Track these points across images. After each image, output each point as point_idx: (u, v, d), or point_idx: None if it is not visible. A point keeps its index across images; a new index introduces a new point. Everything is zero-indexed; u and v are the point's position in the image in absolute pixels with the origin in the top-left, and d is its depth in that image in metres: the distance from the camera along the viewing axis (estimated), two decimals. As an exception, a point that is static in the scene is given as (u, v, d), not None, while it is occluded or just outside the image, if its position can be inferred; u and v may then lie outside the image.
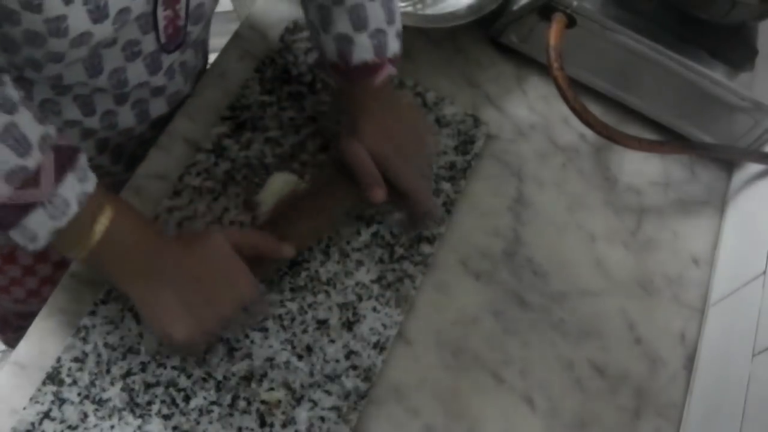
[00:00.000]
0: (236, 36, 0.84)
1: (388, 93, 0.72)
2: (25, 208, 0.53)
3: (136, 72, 0.66)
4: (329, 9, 0.67)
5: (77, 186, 0.55)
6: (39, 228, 0.54)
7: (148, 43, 0.64)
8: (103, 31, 0.56)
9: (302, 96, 0.81)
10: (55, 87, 0.65)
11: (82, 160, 0.56)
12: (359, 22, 0.67)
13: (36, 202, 0.53)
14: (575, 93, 0.80)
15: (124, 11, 0.56)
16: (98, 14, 0.54)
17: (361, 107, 0.69)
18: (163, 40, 0.64)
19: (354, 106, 0.70)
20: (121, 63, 0.64)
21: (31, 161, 0.52)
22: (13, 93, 0.53)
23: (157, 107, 0.74)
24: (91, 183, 0.56)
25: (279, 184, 0.74)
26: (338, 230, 0.74)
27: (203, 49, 0.78)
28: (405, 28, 0.81)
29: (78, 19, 0.53)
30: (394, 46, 0.69)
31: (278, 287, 0.70)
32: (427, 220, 0.75)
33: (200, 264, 0.61)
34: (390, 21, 0.68)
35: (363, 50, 0.67)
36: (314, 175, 0.75)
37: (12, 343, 1.03)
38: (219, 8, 0.78)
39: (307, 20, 0.71)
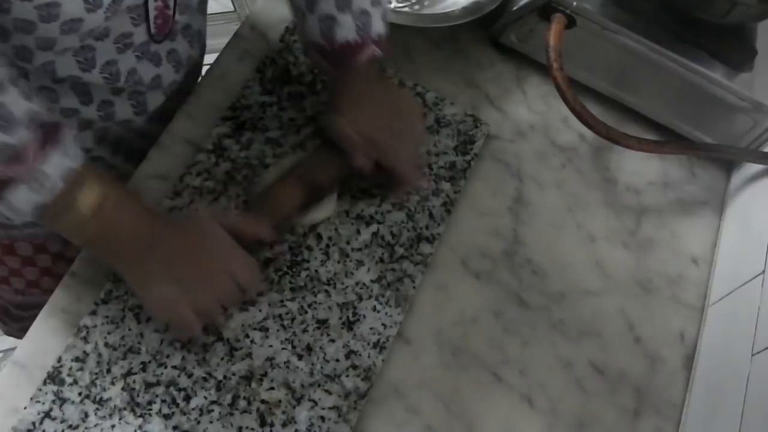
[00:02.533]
0: (236, 36, 0.84)
1: (373, 74, 0.73)
2: (8, 183, 0.54)
3: (127, 63, 0.67)
4: None
5: (61, 161, 0.55)
6: (22, 203, 0.55)
7: (140, 35, 0.65)
8: (95, 19, 0.56)
9: (302, 96, 0.81)
10: (51, 77, 0.65)
11: (67, 135, 0.56)
12: (344, 2, 0.67)
13: (19, 177, 0.53)
14: (575, 93, 0.80)
15: (117, 1, 0.57)
16: (93, 4, 0.55)
17: (346, 87, 0.71)
18: (153, 30, 0.65)
19: (339, 86, 0.71)
20: (113, 56, 0.65)
21: (16, 138, 0.52)
22: (1, 72, 0.53)
23: (154, 99, 0.75)
24: (75, 158, 0.57)
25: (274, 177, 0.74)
26: (337, 229, 0.74)
27: (199, 40, 0.78)
28: (404, 27, 0.82)
29: (72, 7, 0.54)
30: (378, 26, 0.69)
31: (278, 287, 0.70)
32: (404, 190, 0.77)
33: (194, 243, 0.63)
34: (375, 3, 0.69)
35: (346, 30, 0.68)
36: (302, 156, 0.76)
37: (14, 333, 1.03)
38: (219, 8, 0.78)
39: (291, 2, 0.72)
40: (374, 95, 0.72)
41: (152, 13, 0.63)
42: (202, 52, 0.82)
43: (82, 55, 0.62)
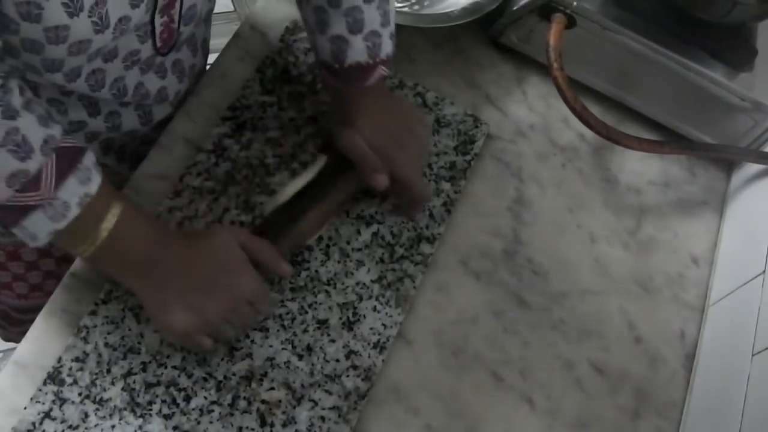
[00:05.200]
0: (236, 36, 0.84)
1: (382, 91, 0.73)
2: (25, 210, 0.54)
3: (134, 78, 0.67)
4: (325, 11, 0.68)
5: (78, 188, 0.55)
6: (38, 229, 0.55)
7: (146, 51, 0.65)
8: (103, 39, 0.56)
9: (302, 96, 0.81)
10: (60, 90, 0.65)
11: (87, 160, 0.56)
12: (355, 24, 0.67)
13: (36, 204, 0.53)
14: (575, 93, 0.80)
15: (123, 19, 0.56)
16: (101, 25, 0.55)
17: (357, 104, 0.71)
18: (159, 44, 0.65)
19: (349, 103, 0.71)
20: (121, 73, 0.65)
21: (32, 165, 0.52)
22: (17, 100, 0.53)
23: (160, 110, 0.75)
24: (94, 184, 0.57)
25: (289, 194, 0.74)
26: (338, 229, 0.74)
27: (203, 48, 0.78)
28: (404, 28, 0.81)
29: (81, 29, 0.54)
30: (387, 48, 0.70)
31: (278, 287, 0.70)
32: (420, 206, 0.77)
33: (203, 259, 0.63)
34: (384, 23, 0.69)
35: (357, 52, 0.68)
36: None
37: (14, 338, 1.03)
38: (219, 8, 0.78)
39: (303, 19, 0.72)
40: (382, 111, 0.72)
41: (158, 29, 0.63)
42: (206, 59, 0.82)
43: (93, 79, 0.63)
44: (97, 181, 0.57)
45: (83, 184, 0.56)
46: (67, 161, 0.55)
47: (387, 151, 0.70)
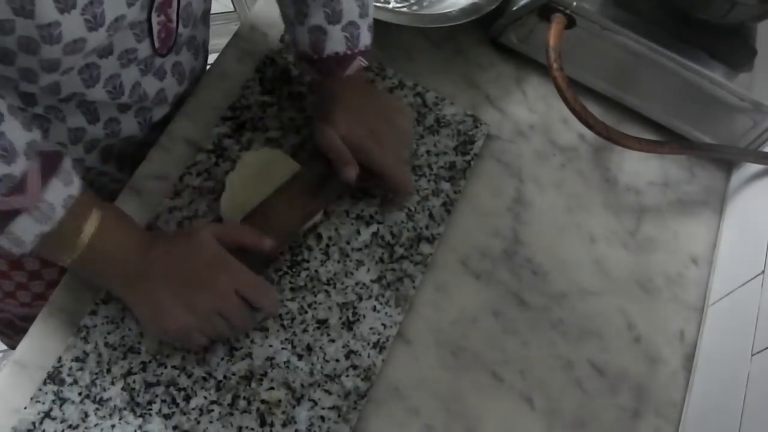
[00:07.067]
0: (236, 36, 0.84)
1: (361, 83, 0.74)
2: (11, 214, 0.54)
3: (131, 78, 0.67)
4: (304, 2, 0.69)
5: (63, 190, 0.56)
6: (25, 233, 0.55)
7: (143, 50, 0.65)
8: (98, 38, 0.56)
9: (302, 96, 0.81)
10: (56, 96, 0.65)
11: (67, 163, 0.57)
12: (333, 15, 0.68)
13: (22, 208, 0.53)
14: (575, 93, 0.80)
15: (119, 18, 0.56)
16: (94, 23, 0.55)
17: (334, 95, 0.71)
18: (157, 44, 0.65)
19: (327, 94, 0.72)
20: (117, 70, 0.65)
21: (17, 168, 0.53)
22: (1, 105, 0.53)
23: (160, 113, 0.75)
24: (76, 186, 0.57)
25: (251, 162, 0.73)
26: (338, 229, 0.74)
27: (203, 51, 0.78)
28: (404, 28, 0.82)
29: (73, 27, 0.54)
30: (366, 39, 0.71)
31: (278, 287, 0.70)
32: (403, 199, 0.77)
33: (187, 257, 0.63)
34: (363, 14, 0.70)
35: (335, 42, 0.69)
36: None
37: (16, 346, 1.03)
38: (219, 8, 0.78)
39: (282, 12, 0.72)
40: (361, 103, 0.72)
41: (155, 28, 0.63)
42: (205, 62, 0.82)
43: (87, 73, 0.62)
44: (78, 183, 0.57)
45: (67, 186, 0.56)
46: (50, 164, 0.55)
47: (362, 142, 0.70)
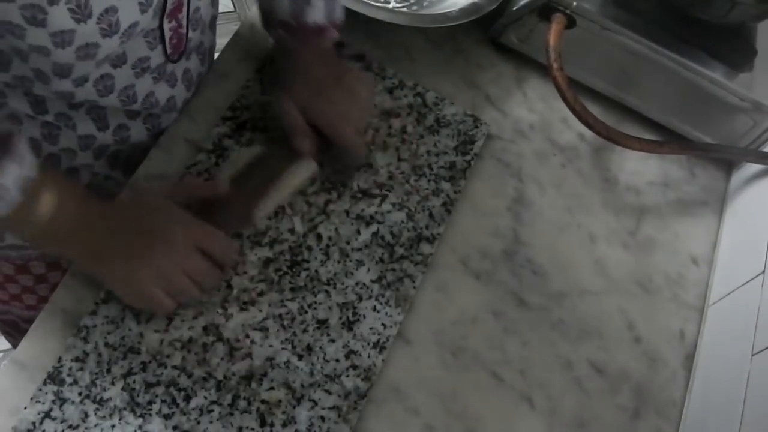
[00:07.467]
0: (237, 36, 0.84)
1: (330, 55, 0.75)
2: None
3: (144, 86, 0.67)
4: None
5: (18, 172, 0.55)
6: None
7: (156, 57, 0.65)
8: (111, 44, 0.56)
9: (302, 96, 0.81)
10: (68, 103, 0.65)
11: (20, 144, 0.56)
12: None
13: None
14: (575, 93, 0.80)
15: (133, 25, 0.57)
16: (109, 30, 0.55)
17: (297, 64, 0.73)
18: (169, 50, 0.66)
19: (291, 64, 0.73)
20: (131, 80, 0.65)
21: None
22: None
23: (168, 119, 0.75)
24: (31, 167, 0.56)
25: (245, 160, 0.74)
26: (338, 229, 0.74)
27: (210, 56, 0.79)
28: (404, 28, 0.82)
29: (87, 32, 0.54)
30: (340, 12, 0.73)
31: (278, 287, 0.70)
32: (353, 164, 0.78)
33: (145, 221, 0.64)
34: None
35: (316, 12, 0.71)
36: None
37: None
38: (219, 8, 0.78)
39: None
40: (323, 73, 0.73)
41: (167, 34, 0.64)
42: (210, 68, 0.82)
43: (101, 84, 0.63)
44: (35, 163, 0.57)
45: (22, 168, 0.55)
46: (3, 146, 0.54)
47: (315, 105, 0.72)
